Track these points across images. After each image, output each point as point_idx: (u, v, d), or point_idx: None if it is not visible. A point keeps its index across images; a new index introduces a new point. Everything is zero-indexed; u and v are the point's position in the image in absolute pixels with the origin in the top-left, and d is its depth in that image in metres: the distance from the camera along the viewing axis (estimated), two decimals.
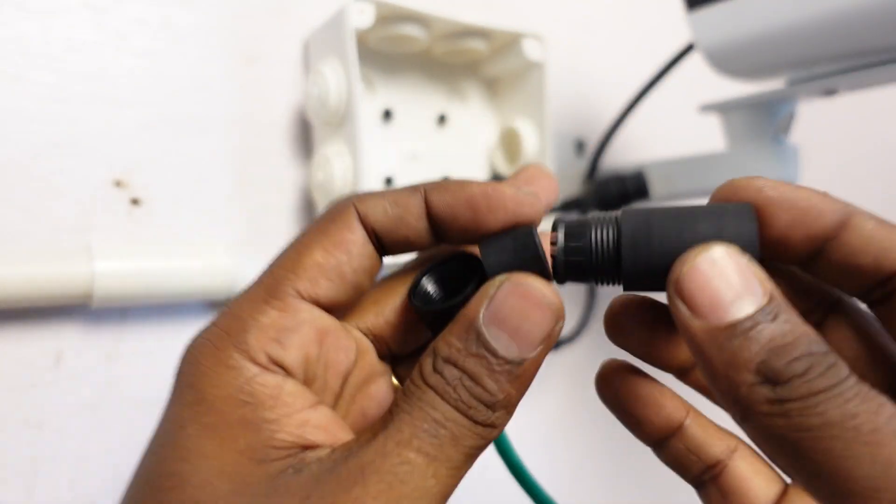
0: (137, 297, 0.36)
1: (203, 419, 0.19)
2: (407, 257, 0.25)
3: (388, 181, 0.47)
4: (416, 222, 0.22)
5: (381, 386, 0.23)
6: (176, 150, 0.41)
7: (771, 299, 0.18)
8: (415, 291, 0.22)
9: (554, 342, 0.20)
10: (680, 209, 0.21)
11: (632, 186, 0.53)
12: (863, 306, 0.23)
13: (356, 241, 0.21)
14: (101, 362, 0.38)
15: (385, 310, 0.24)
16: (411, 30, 0.44)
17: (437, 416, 0.18)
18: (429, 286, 0.23)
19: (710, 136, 0.59)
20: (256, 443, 0.19)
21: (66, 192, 0.37)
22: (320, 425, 0.20)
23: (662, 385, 0.25)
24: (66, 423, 0.37)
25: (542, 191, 0.25)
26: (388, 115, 0.47)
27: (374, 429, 0.19)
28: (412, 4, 0.42)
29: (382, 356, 0.24)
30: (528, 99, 0.50)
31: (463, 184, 0.21)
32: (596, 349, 0.58)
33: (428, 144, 0.49)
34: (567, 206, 0.52)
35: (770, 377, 0.17)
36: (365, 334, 0.23)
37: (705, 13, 0.43)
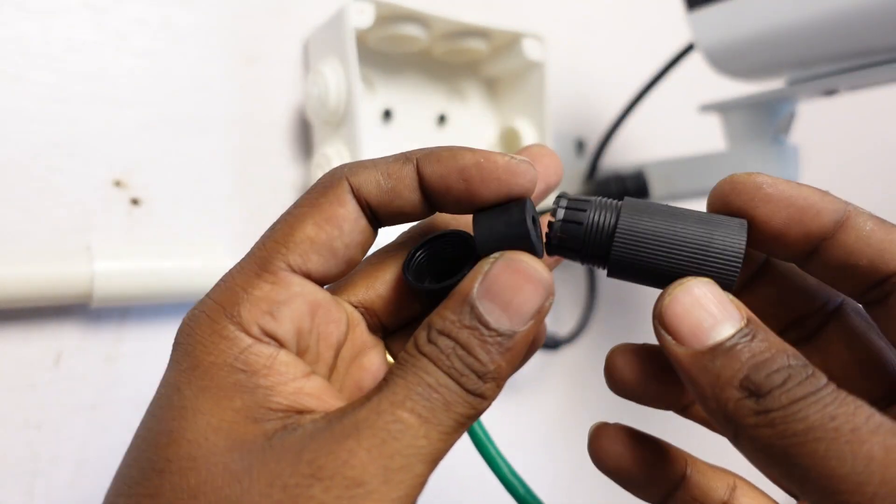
0: (137, 297, 0.36)
1: (199, 382, 0.19)
2: (401, 228, 0.25)
3: None
4: (409, 194, 0.22)
5: (374, 358, 0.24)
6: (176, 150, 0.41)
7: (749, 322, 0.20)
8: (409, 268, 0.23)
9: (543, 317, 0.21)
10: (678, 211, 0.21)
11: (632, 186, 0.53)
12: (858, 306, 0.23)
13: (347, 217, 0.21)
14: (100, 362, 0.38)
15: (376, 283, 0.24)
16: (411, 30, 0.44)
17: (431, 381, 0.19)
18: (423, 262, 0.23)
19: (710, 136, 0.59)
20: (252, 403, 0.19)
21: (66, 192, 0.37)
22: (314, 393, 0.20)
23: (658, 441, 0.25)
24: (66, 423, 0.37)
25: (545, 169, 0.25)
26: (388, 114, 0.47)
27: (368, 395, 0.19)
28: (412, 4, 0.42)
29: (374, 330, 0.24)
30: (528, 99, 0.50)
31: (455, 153, 0.22)
32: (596, 349, 0.58)
33: (428, 144, 0.49)
34: None
35: (753, 390, 0.18)
36: (356, 307, 0.24)
37: (705, 13, 0.43)
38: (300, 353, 0.21)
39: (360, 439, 0.18)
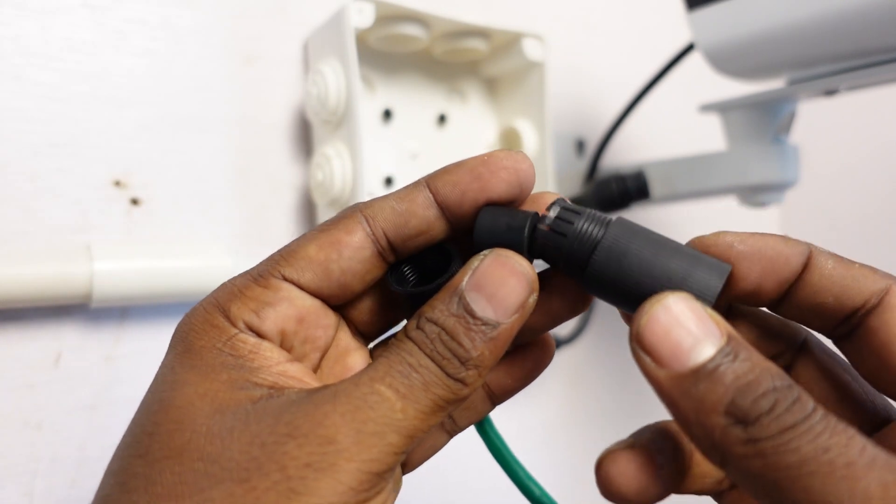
0: (137, 296, 0.36)
1: (189, 361, 0.21)
2: None
3: (388, 181, 0.47)
4: (424, 211, 0.23)
5: (358, 359, 0.24)
6: (176, 150, 0.41)
7: (729, 339, 0.19)
8: (393, 276, 0.24)
9: (528, 313, 0.22)
10: (665, 242, 0.21)
11: (632, 186, 0.53)
12: (828, 342, 0.24)
13: (350, 244, 0.22)
14: (100, 362, 0.38)
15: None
16: (411, 29, 0.44)
17: (412, 362, 0.20)
18: (406, 272, 0.24)
19: (710, 136, 0.59)
20: (237, 377, 0.21)
21: (65, 192, 0.37)
22: (296, 376, 0.21)
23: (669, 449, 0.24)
24: (66, 423, 0.36)
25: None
26: (387, 114, 0.47)
27: (353, 375, 0.21)
28: (412, 4, 0.42)
29: (358, 336, 0.25)
30: (528, 99, 0.50)
31: (459, 162, 0.23)
32: (596, 349, 0.58)
33: (428, 144, 0.49)
34: None
35: (740, 417, 0.18)
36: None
37: (705, 13, 0.43)
38: (284, 350, 0.22)
39: (336, 404, 0.19)
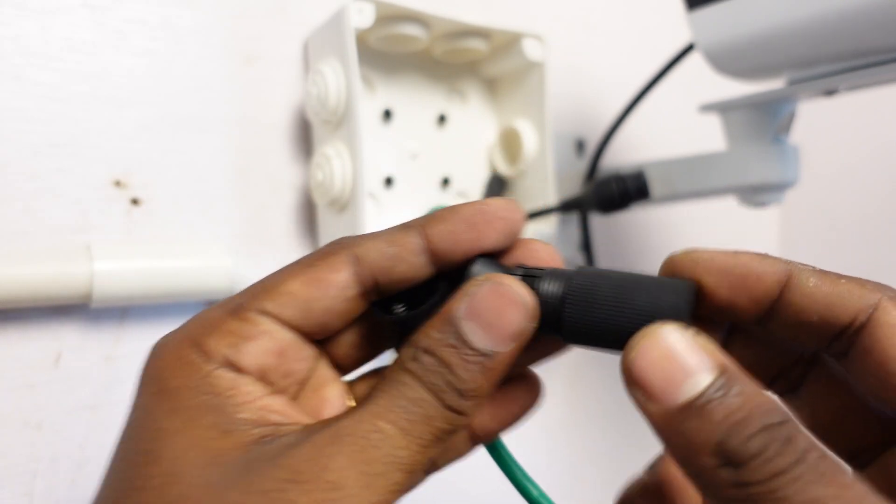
0: (137, 297, 0.36)
1: (167, 405, 0.20)
2: None
3: (388, 181, 0.47)
4: (413, 257, 0.22)
5: (334, 390, 0.24)
6: (176, 149, 0.41)
7: (722, 371, 0.18)
8: (379, 306, 0.23)
9: (525, 342, 0.21)
10: (626, 278, 0.21)
11: (632, 186, 0.53)
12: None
13: (335, 283, 0.22)
14: (100, 362, 0.38)
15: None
16: (411, 29, 0.44)
17: (413, 396, 0.20)
18: (392, 302, 0.23)
19: (710, 136, 0.59)
20: (221, 419, 0.20)
21: (65, 192, 0.37)
22: (280, 410, 0.21)
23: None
24: (66, 424, 0.36)
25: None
26: (387, 114, 0.47)
27: (350, 409, 0.20)
28: (412, 4, 0.42)
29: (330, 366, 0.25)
30: (528, 99, 0.50)
31: (454, 209, 0.23)
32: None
33: (428, 144, 0.49)
34: (567, 206, 0.52)
35: (729, 459, 0.17)
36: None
37: (705, 13, 0.43)
38: (264, 384, 0.22)
39: (340, 446, 0.19)
